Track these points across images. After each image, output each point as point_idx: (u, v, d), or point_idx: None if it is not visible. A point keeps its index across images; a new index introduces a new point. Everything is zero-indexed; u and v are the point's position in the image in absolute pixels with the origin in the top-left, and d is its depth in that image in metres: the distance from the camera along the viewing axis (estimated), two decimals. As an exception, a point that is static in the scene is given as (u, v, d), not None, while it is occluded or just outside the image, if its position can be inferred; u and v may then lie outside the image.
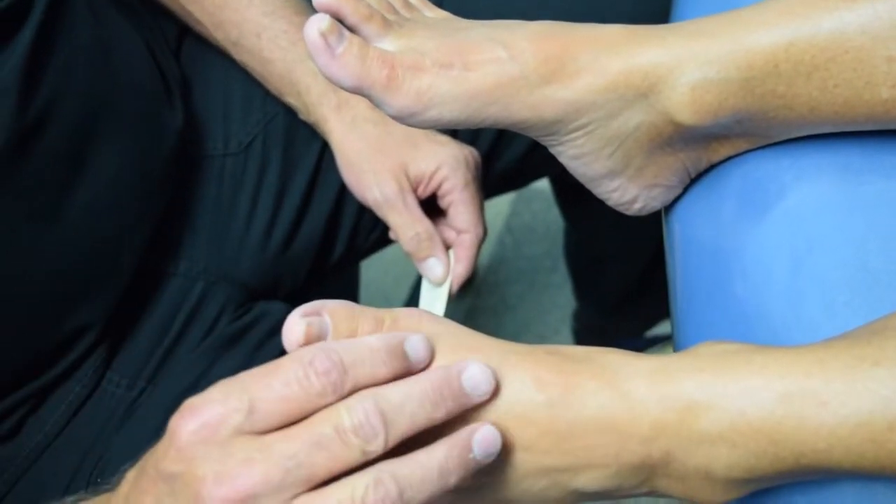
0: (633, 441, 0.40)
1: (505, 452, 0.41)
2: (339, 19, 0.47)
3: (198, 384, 0.70)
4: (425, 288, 0.73)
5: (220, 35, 0.73)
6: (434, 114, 0.47)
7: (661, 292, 1.04)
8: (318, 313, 0.42)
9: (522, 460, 0.41)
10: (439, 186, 0.71)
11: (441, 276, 0.71)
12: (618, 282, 1.14)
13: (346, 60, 0.46)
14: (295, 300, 0.80)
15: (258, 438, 0.38)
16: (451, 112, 0.47)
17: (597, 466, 0.41)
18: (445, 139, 0.72)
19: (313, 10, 0.73)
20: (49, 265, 0.63)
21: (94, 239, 0.65)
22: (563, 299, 1.34)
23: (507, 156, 0.81)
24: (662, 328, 1.21)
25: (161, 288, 0.73)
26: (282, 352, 0.71)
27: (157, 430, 0.62)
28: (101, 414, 0.68)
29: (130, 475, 0.42)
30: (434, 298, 0.72)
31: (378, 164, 0.70)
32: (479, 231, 0.72)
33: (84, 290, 0.66)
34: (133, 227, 0.69)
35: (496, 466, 0.41)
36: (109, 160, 0.65)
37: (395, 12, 0.50)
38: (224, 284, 0.75)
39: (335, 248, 0.81)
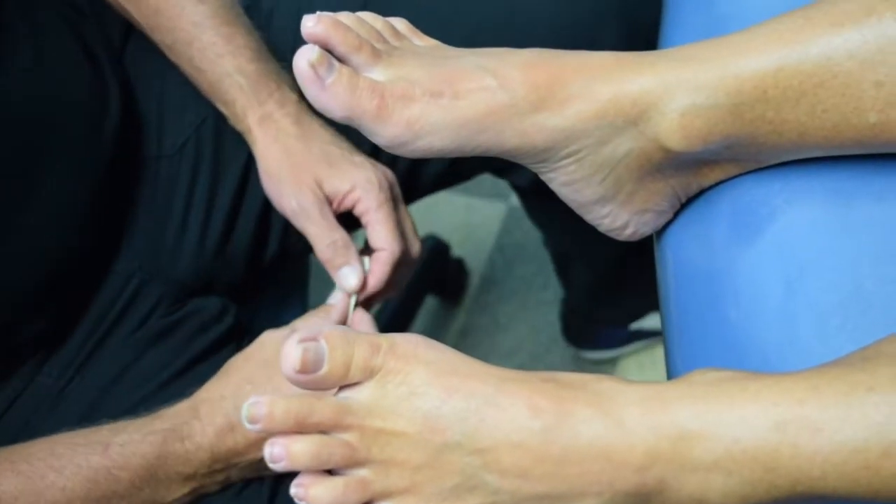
0: (626, 469, 0.40)
1: (500, 479, 0.41)
2: (328, 49, 0.47)
3: (124, 375, 0.71)
4: (333, 299, 0.73)
5: (156, 37, 0.74)
6: (425, 143, 0.47)
7: (642, 288, 1.04)
8: (314, 339, 0.43)
9: (518, 487, 0.41)
10: (354, 206, 0.72)
11: (355, 285, 0.71)
12: (584, 276, 1.17)
13: (336, 91, 0.46)
14: (233, 294, 0.82)
15: None
16: (442, 141, 0.47)
17: (591, 494, 0.41)
18: (361, 160, 0.73)
19: (245, 18, 0.74)
20: None
21: (41, 253, 0.67)
22: (555, 317, 1.34)
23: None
24: (650, 322, 1.22)
25: (98, 286, 0.75)
26: (212, 343, 0.74)
27: (80, 420, 0.64)
28: (31, 403, 0.70)
29: None
30: None
31: (296, 176, 0.71)
32: (395, 249, 0.72)
33: (33, 303, 0.68)
34: (78, 237, 0.71)
35: (492, 493, 0.41)
36: (52, 178, 0.67)
37: (384, 41, 0.50)
38: (159, 281, 0.77)
39: (268, 247, 0.82)
